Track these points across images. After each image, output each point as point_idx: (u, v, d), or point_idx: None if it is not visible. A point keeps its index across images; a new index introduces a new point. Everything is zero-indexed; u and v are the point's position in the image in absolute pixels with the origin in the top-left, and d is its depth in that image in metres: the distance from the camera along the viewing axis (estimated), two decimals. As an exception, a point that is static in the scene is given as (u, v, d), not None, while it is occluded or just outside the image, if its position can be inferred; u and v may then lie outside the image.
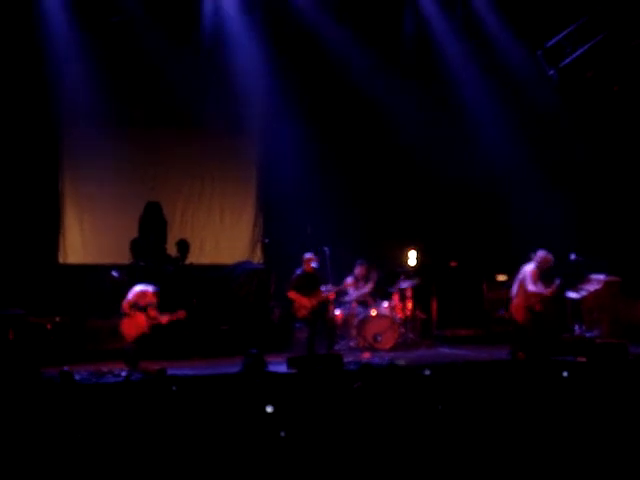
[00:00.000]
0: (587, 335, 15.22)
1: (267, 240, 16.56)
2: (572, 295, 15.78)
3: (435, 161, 17.17)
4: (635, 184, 16.91)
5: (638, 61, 15.19)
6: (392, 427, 7.40)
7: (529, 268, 14.05)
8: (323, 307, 14.53)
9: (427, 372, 10.22)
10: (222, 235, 16.88)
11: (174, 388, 9.84)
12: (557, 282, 14.18)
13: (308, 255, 14.43)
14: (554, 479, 6.57)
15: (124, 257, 15.55)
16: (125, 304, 12.74)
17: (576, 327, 15.57)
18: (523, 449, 7.02)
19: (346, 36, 16.60)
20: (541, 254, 14.12)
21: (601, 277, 15.74)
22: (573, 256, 15.53)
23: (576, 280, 15.90)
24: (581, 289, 15.81)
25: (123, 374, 12.41)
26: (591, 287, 15.76)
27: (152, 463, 6.81)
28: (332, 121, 17.27)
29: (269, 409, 7.95)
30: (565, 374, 10.18)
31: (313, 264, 14.32)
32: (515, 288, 14.23)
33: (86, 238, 15.99)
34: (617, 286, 15.75)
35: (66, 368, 11.45)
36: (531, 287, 13.89)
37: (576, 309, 15.82)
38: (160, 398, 9.10)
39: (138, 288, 12.95)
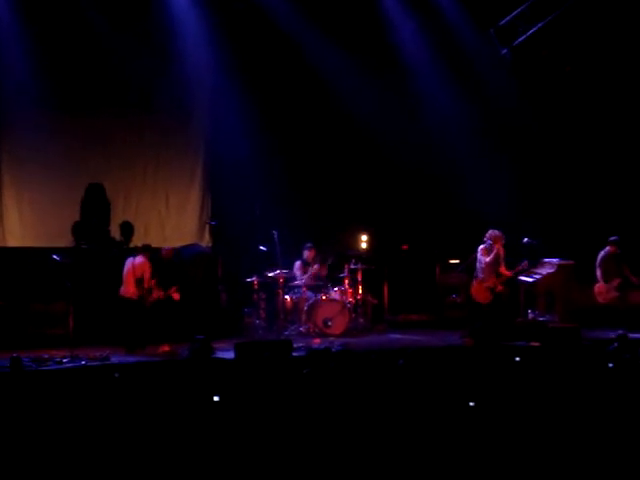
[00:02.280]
0: (540, 319, 15.24)
1: (214, 222, 16.27)
2: (525, 279, 15.79)
3: (387, 144, 17.11)
4: (589, 165, 16.92)
5: (591, 40, 15.19)
6: (342, 413, 7.25)
7: (500, 249, 14.48)
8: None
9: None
10: (168, 218, 16.58)
11: (116, 375, 9.59)
12: (524, 263, 14.64)
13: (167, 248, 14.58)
14: (506, 465, 6.50)
15: (66, 240, 15.20)
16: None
17: (529, 311, 15.57)
18: (474, 435, 6.97)
19: (294, 14, 16.35)
20: (493, 233, 14.51)
21: (554, 261, 15.85)
22: (526, 240, 15.47)
23: (529, 264, 15.87)
24: (534, 273, 15.85)
25: (65, 361, 12.27)
26: (544, 271, 15.86)
27: (94, 452, 6.64)
28: (281, 102, 17.07)
29: (216, 398, 7.76)
30: (517, 359, 10.16)
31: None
32: (479, 269, 14.57)
33: (26, 220, 15.50)
34: (570, 270, 15.83)
35: (14, 354, 11.38)
36: (503, 268, 14.50)
37: (529, 293, 15.85)
38: (103, 385, 8.81)
39: (145, 265, 13.56)
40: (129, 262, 13.63)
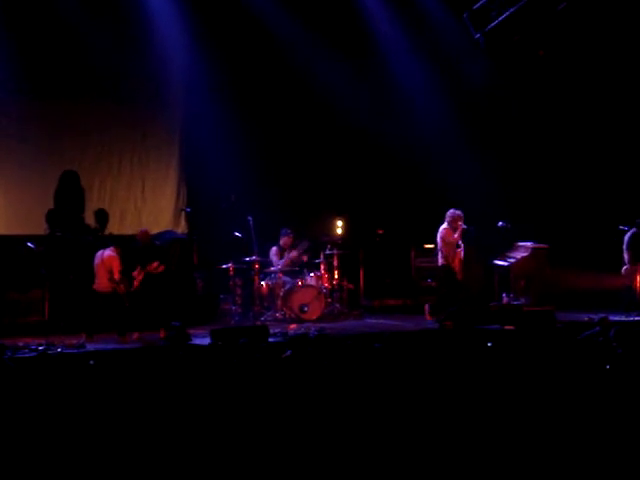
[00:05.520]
0: (515, 303, 15.25)
1: (189, 209, 16.27)
2: (500, 263, 15.89)
3: (362, 128, 17.12)
4: (563, 149, 16.96)
5: (563, 25, 15.19)
6: (321, 398, 7.19)
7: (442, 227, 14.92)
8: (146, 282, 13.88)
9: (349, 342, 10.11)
10: (144, 205, 16.51)
11: (91, 362, 9.55)
12: (461, 246, 14.94)
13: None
14: (483, 448, 6.39)
15: (40, 228, 15.08)
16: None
17: (504, 295, 15.61)
18: (451, 418, 6.86)
19: (271, 4, 16.32)
20: (454, 212, 14.81)
21: (528, 244, 15.89)
22: (501, 223, 15.54)
23: (504, 248, 15.96)
24: (508, 257, 15.94)
25: (40, 348, 12.16)
26: (518, 254, 15.92)
27: (70, 439, 6.49)
28: (256, 88, 17.02)
29: None
30: (490, 344, 10.14)
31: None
32: (448, 249, 14.94)
33: (0, 208, 15.38)
34: (544, 253, 15.86)
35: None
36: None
37: (504, 277, 15.91)
38: (78, 372, 8.75)
39: (113, 259, 13.29)
40: (98, 256, 13.48)
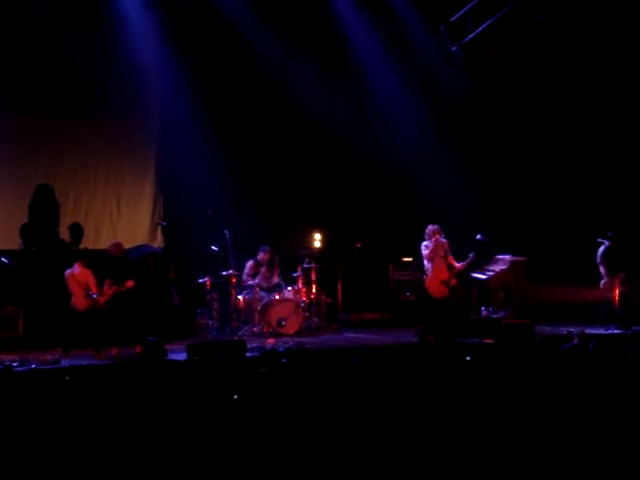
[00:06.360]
0: (494, 316, 15.26)
1: (165, 223, 16.19)
2: (478, 276, 15.88)
3: (340, 142, 17.14)
4: (541, 161, 16.97)
5: (542, 36, 15.20)
6: (299, 413, 7.17)
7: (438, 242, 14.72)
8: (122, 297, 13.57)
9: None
10: (120, 219, 16.44)
11: (67, 378, 9.43)
12: (471, 256, 14.78)
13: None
14: (459, 462, 6.43)
15: (14, 242, 14.93)
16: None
17: (482, 308, 15.59)
18: (430, 434, 6.85)
19: (243, 10, 16.24)
20: (429, 227, 14.79)
21: (507, 257, 15.93)
22: (479, 236, 15.50)
23: (482, 261, 15.94)
24: (487, 270, 15.95)
25: (15, 365, 11.95)
26: (497, 267, 15.96)
27: (44, 456, 6.44)
28: (233, 102, 16.99)
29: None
30: (468, 358, 10.10)
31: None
32: (428, 264, 14.81)
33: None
34: (523, 266, 15.87)
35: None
36: (453, 261, 14.78)
37: (482, 290, 15.88)
38: (52, 389, 8.63)
39: (86, 273, 13.08)
40: (68, 274, 13.24)
